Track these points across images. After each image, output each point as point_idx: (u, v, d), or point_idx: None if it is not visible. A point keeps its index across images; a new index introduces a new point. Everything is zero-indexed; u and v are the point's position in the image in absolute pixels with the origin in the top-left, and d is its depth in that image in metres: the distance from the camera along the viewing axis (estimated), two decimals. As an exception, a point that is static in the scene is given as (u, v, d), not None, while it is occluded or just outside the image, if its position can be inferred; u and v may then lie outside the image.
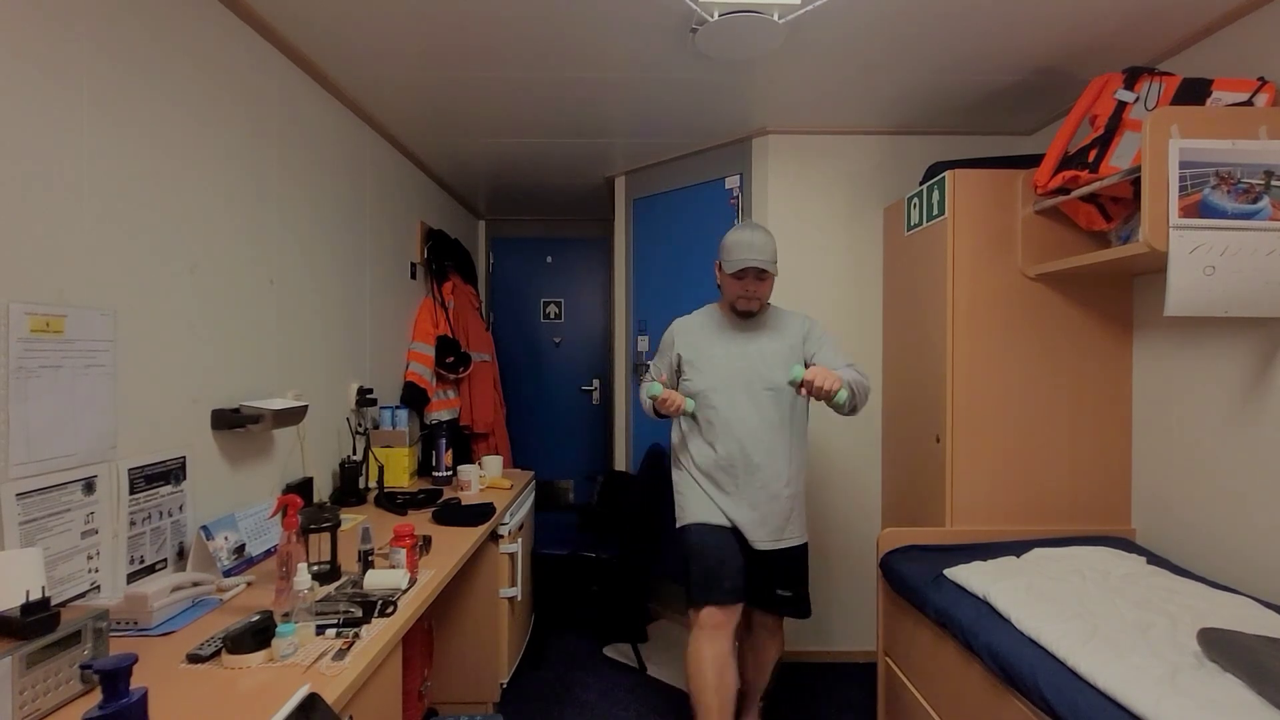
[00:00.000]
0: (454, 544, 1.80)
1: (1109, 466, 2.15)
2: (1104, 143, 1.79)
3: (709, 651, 1.84)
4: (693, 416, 1.98)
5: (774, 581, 1.98)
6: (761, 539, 1.92)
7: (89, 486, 1.26)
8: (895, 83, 2.27)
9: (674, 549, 2.06)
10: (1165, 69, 1.83)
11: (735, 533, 1.93)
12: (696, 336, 2.02)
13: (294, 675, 1.06)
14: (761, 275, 1.91)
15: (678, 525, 2.02)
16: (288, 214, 1.99)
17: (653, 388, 1.92)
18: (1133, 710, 1.14)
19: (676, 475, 2.06)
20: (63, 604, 1.12)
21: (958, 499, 2.14)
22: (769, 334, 1.99)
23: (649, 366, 2.17)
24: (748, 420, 1.91)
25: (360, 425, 2.45)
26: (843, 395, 1.70)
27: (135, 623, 1.22)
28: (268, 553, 1.67)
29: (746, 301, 1.94)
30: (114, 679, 0.84)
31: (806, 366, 1.76)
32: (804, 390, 1.70)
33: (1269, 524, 1.68)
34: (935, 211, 2.23)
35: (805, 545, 2.02)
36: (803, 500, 2.02)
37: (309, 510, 1.52)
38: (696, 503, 1.97)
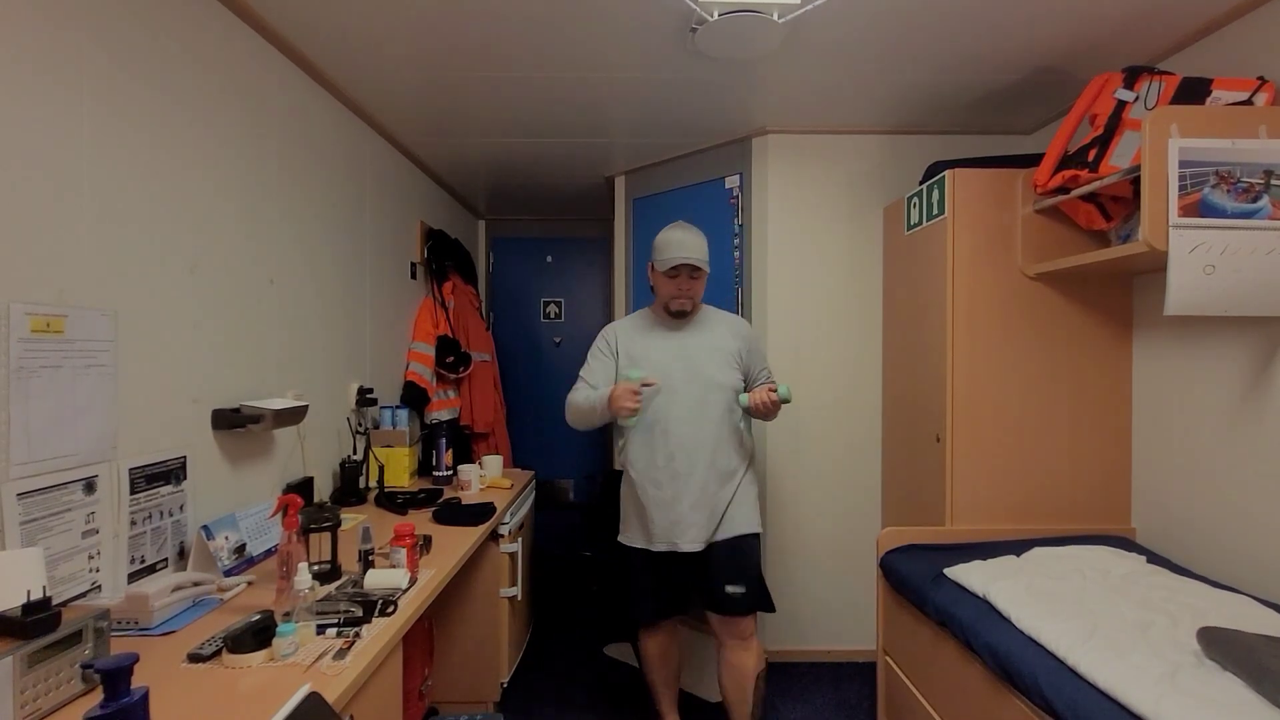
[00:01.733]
0: (454, 543, 1.80)
1: (1109, 466, 2.15)
2: (1104, 142, 1.79)
3: (651, 644, 2.09)
4: (637, 419, 1.96)
5: (721, 576, 1.92)
6: (700, 539, 1.91)
7: (89, 486, 1.26)
8: (895, 82, 2.27)
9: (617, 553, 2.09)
10: (1165, 68, 1.83)
11: (669, 555, 1.94)
12: (635, 338, 2.02)
13: (294, 675, 1.06)
14: (694, 274, 1.93)
15: (619, 538, 2.07)
16: (288, 214, 1.99)
17: (633, 371, 1.91)
18: (1133, 709, 1.14)
19: (624, 485, 2.07)
20: (64, 604, 1.12)
21: (958, 498, 2.14)
22: (705, 332, 2.01)
23: (580, 376, 2.06)
24: (690, 418, 1.92)
25: (360, 425, 2.45)
26: (783, 389, 1.85)
27: (136, 622, 1.22)
28: (268, 552, 1.68)
29: (680, 301, 1.96)
30: (115, 678, 0.84)
31: (746, 378, 2.03)
32: (754, 413, 1.92)
33: (1269, 523, 1.68)
34: (935, 211, 2.23)
35: (755, 536, 1.97)
36: (751, 491, 2.00)
37: (309, 510, 1.52)
38: (634, 524, 2.01)
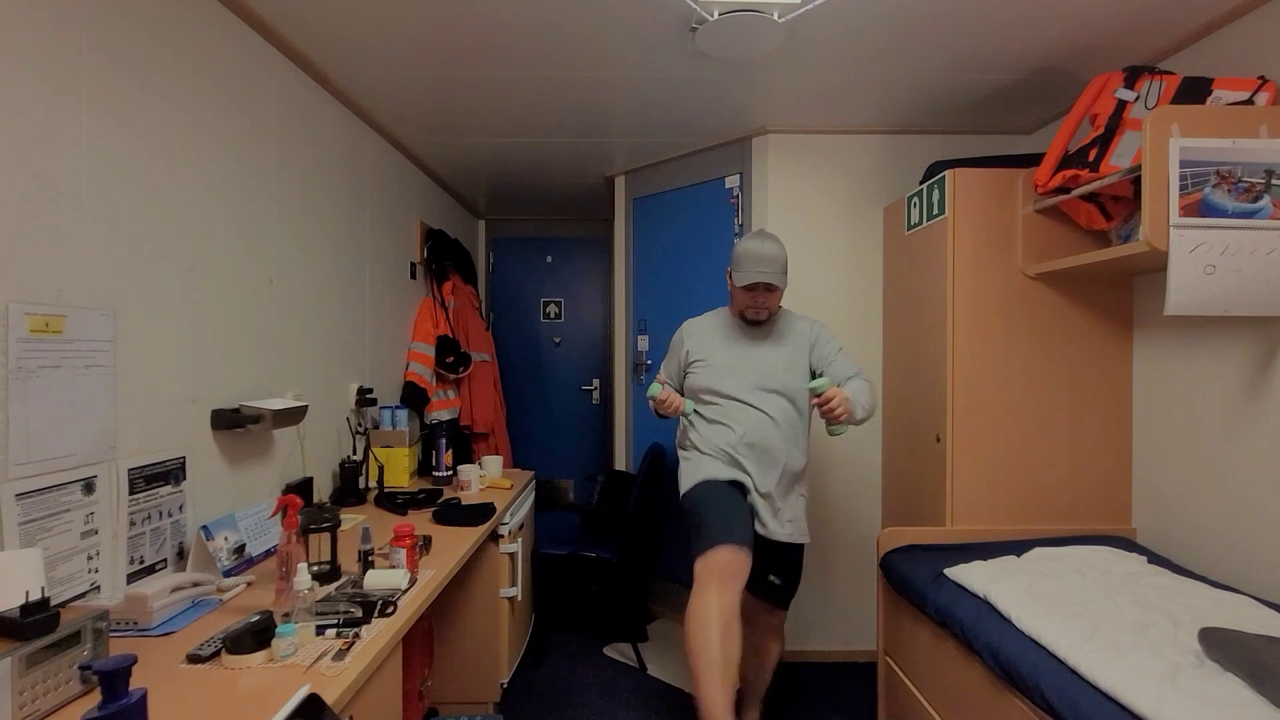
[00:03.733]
0: (454, 544, 1.80)
1: (1109, 466, 2.14)
2: (1104, 142, 1.79)
3: (716, 603, 1.62)
4: (699, 414, 1.99)
5: (768, 568, 1.98)
6: (774, 528, 1.91)
7: (89, 487, 1.26)
8: (895, 82, 2.27)
9: (677, 530, 2.09)
10: (1165, 68, 1.83)
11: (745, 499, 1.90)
12: (706, 337, 2.05)
13: (294, 675, 1.06)
14: (771, 288, 1.93)
15: (683, 491, 1.91)
16: (287, 214, 1.99)
17: (652, 388, 1.94)
18: (1133, 709, 1.14)
19: (683, 454, 2.03)
20: (62, 604, 1.12)
21: (958, 499, 2.14)
22: (776, 339, 2.02)
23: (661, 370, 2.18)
24: (757, 418, 1.92)
25: (360, 425, 2.45)
26: (841, 429, 1.80)
27: (135, 623, 1.22)
28: (268, 553, 1.67)
29: (755, 312, 1.98)
30: (113, 679, 0.84)
31: (814, 376, 1.96)
32: (817, 401, 1.77)
33: (1269, 523, 1.68)
34: (935, 211, 2.23)
35: (804, 546, 2.05)
36: (804, 505, 2.03)
37: (309, 510, 1.51)
38: (707, 466, 1.90)
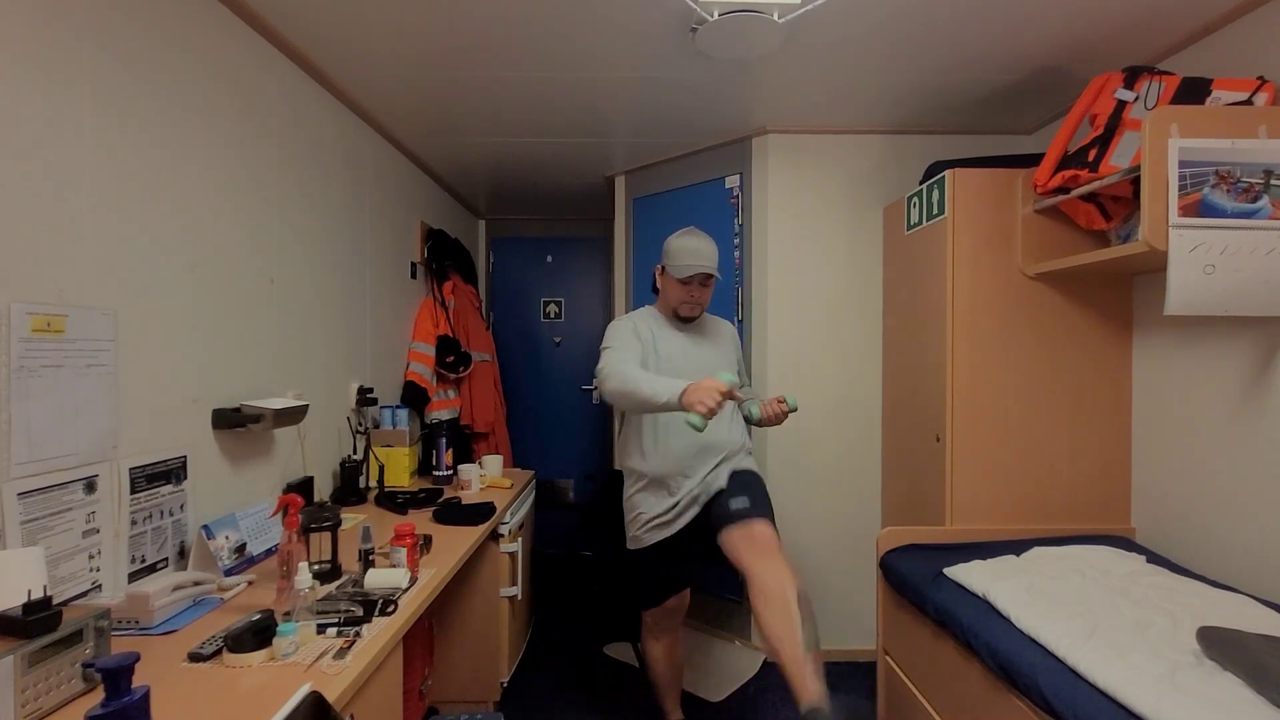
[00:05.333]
0: (454, 543, 1.80)
1: (1109, 465, 2.15)
2: (1104, 142, 1.79)
3: (657, 643, 2.13)
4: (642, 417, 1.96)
5: (729, 499, 1.85)
6: (720, 479, 1.91)
7: (90, 486, 1.26)
8: (895, 82, 2.27)
9: (626, 556, 2.10)
10: (1165, 68, 1.83)
11: (683, 530, 1.94)
12: (656, 334, 2.02)
13: (295, 674, 1.06)
14: (706, 281, 1.97)
15: (628, 544, 2.06)
16: (288, 213, 1.99)
17: (725, 374, 1.60)
18: (1132, 709, 1.14)
19: (627, 491, 2.05)
20: (64, 603, 1.12)
21: (958, 498, 2.14)
22: (710, 338, 2.08)
23: (607, 355, 1.90)
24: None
25: (360, 425, 2.45)
26: (791, 400, 1.88)
27: (136, 622, 1.22)
28: (268, 552, 1.68)
29: (690, 307, 2.00)
30: (116, 677, 0.84)
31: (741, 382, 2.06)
32: (765, 421, 1.94)
33: (1269, 522, 1.68)
34: (935, 211, 2.23)
35: (757, 474, 1.98)
36: (749, 450, 2.06)
37: (309, 509, 1.52)
38: (643, 525, 1.99)
